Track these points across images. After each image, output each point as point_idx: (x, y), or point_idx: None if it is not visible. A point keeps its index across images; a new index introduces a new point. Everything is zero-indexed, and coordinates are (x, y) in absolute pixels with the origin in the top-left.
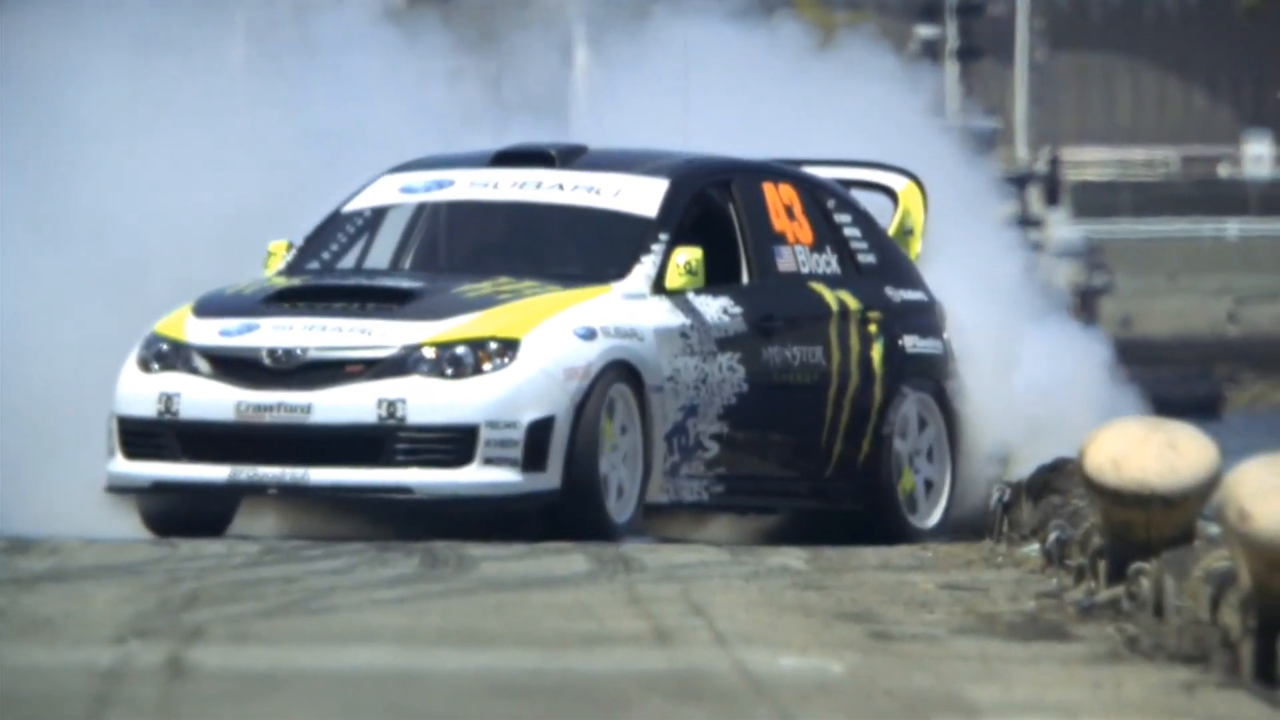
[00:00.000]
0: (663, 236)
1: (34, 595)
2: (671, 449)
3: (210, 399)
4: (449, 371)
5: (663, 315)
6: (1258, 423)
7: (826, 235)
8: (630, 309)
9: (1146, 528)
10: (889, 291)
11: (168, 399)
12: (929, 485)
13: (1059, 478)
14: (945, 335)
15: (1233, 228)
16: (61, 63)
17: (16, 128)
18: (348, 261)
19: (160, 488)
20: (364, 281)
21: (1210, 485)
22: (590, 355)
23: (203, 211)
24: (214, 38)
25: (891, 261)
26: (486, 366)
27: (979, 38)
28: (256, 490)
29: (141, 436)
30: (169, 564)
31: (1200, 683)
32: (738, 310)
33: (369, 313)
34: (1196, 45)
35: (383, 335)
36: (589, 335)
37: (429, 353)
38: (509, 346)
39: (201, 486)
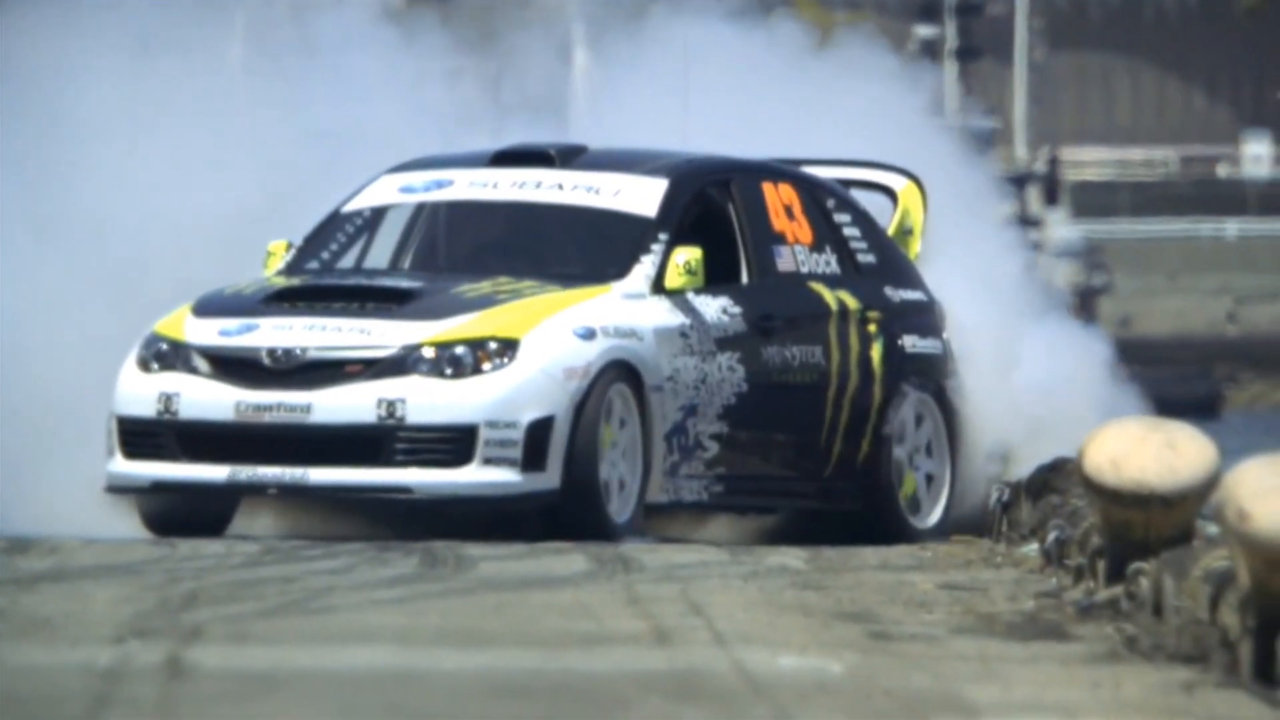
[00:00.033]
0: (662, 236)
1: (34, 595)
2: (671, 449)
3: (210, 399)
4: (448, 371)
5: (662, 315)
6: (1257, 422)
7: (826, 235)
8: (630, 309)
9: (1145, 527)
10: (888, 291)
11: (167, 399)
12: (929, 479)
13: (1058, 477)
14: (945, 335)
15: (1232, 228)
16: (61, 63)
17: (16, 128)
18: (347, 261)
19: (160, 488)
20: (363, 281)
21: (1209, 485)
22: (590, 355)
23: (203, 211)
24: (213, 38)
25: (891, 261)
26: (486, 366)
27: (978, 37)
28: (256, 490)
29: (141, 436)
30: (168, 564)
31: (1199, 683)
32: (737, 310)
33: (368, 312)
34: (1196, 45)
35: (382, 335)
36: (588, 335)
37: (428, 353)
38: (508, 346)
39: (201, 486)
